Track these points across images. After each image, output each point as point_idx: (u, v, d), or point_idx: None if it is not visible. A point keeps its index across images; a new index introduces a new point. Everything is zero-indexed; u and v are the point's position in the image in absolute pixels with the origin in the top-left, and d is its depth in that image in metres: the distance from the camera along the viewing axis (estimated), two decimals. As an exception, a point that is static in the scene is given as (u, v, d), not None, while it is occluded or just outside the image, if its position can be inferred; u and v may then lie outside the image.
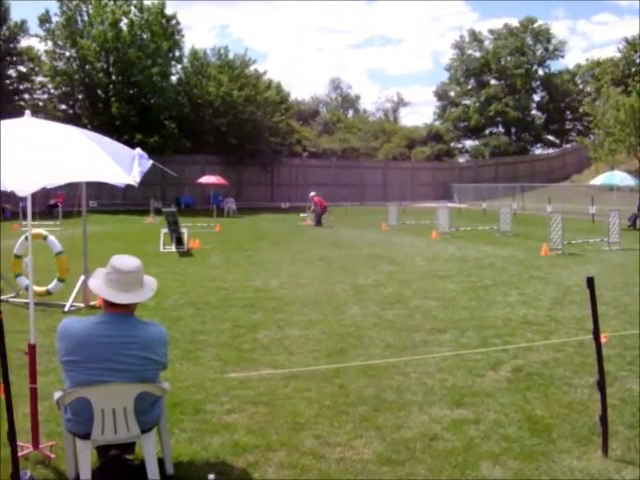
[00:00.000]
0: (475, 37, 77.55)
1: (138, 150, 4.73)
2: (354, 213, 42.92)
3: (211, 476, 4.31)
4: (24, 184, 3.96)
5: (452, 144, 78.12)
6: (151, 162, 4.69)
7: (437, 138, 74.22)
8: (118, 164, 4.34)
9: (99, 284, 4.40)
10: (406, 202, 48.50)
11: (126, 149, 4.86)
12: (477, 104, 74.46)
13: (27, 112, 5.03)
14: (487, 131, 76.90)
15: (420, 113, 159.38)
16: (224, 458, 5.16)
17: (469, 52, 78.01)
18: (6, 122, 4.91)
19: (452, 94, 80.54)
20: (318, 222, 32.82)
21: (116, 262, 4.41)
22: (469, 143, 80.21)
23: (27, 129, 4.71)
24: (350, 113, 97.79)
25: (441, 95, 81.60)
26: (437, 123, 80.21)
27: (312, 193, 34.51)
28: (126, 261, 4.45)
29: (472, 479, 4.75)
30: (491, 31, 77.43)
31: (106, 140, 4.88)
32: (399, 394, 6.63)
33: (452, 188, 58.58)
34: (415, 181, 64.60)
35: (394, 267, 16.32)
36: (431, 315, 10.44)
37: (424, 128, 78.76)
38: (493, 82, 76.45)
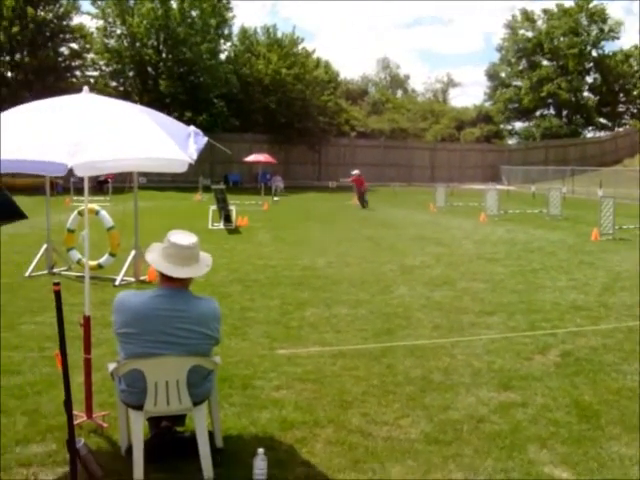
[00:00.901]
0: (527, 17, 76.10)
1: (192, 127, 4.77)
2: (402, 194, 42.76)
3: (260, 450, 4.37)
4: (84, 165, 4.03)
5: (502, 126, 77.14)
6: (206, 139, 4.73)
7: (487, 119, 73.45)
8: (175, 141, 4.39)
9: (156, 258, 4.48)
10: (454, 184, 48.17)
11: (181, 126, 4.91)
12: (528, 85, 73.22)
13: (85, 88, 5.09)
14: (538, 113, 75.71)
15: (470, 94, 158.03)
16: (272, 433, 5.23)
17: (521, 32, 76.66)
18: (65, 98, 4.99)
19: (503, 75, 79.36)
20: (361, 203, 31.35)
21: (174, 237, 4.48)
22: (519, 125, 79.19)
23: (86, 105, 4.78)
24: (399, 93, 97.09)
25: (492, 76, 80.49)
26: (487, 104, 79.21)
27: (353, 172, 32.93)
28: (184, 236, 4.52)
29: (519, 462, 4.74)
30: (544, 11, 75.98)
31: (162, 117, 4.94)
32: (446, 375, 6.63)
33: (501, 170, 57.91)
34: (464, 163, 64.05)
35: (442, 249, 16.26)
36: (479, 297, 10.40)
37: (474, 109, 78.01)
38: (545, 63, 75.08)
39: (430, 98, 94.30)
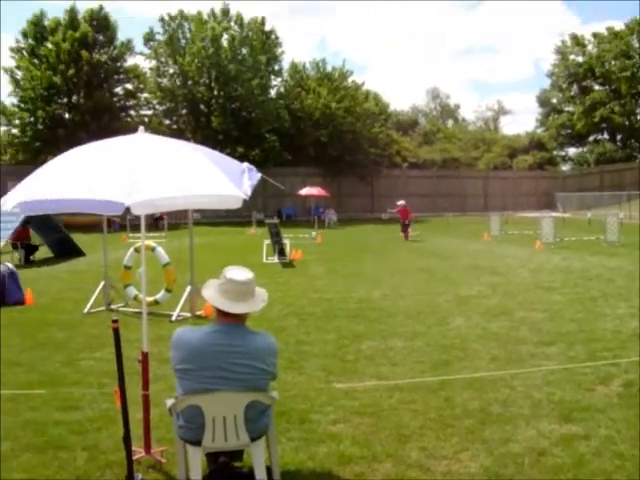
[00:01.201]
0: (577, 41, 75.41)
1: (246, 164, 4.83)
2: (455, 223, 42.51)
3: (318, 486, 4.35)
4: (141, 204, 4.10)
5: (555, 152, 76.26)
6: (260, 175, 4.78)
7: (539, 146, 72.79)
8: (229, 178, 4.45)
9: (213, 294, 4.51)
10: (508, 212, 47.74)
11: (235, 163, 4.97)
12: (581, 110, 72.37)
13: (141, 128, 5.20)
14: (591, 138, 74.59)
15: (521, 121, 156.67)
16: (330, 468, 5.19)
17: (571, 57, 75.97)
18: (121, 138, 5.09)
19: (554, 101, 78.56)
20: (404, 234, 30.28)
21: (230, 273, 4.51)
22: (572, 151, 78.07)
23: (142, 144, 4.87)
24: (450, 123, 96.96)
25: (543, 102, 79.79)
26: (539, 131, 78.50)
27: (399, 202, 31.87)
28: (240, 272, 4.54)
29: (584, 496, 4.64)
30: (594, 35, 75.21)
31: (216, 154, 5.01)
32: (505, 407, 6.52)
33: (555, 197, 57.22)
34: (517, 190, 63.50)
35: (497, 278, 16.08)
36: (537, 327, 10.23)
37: (525, 136, 77.44)
38: (597, 87, 74.14)
39: (481, 126, 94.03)
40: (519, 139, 76.86)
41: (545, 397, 6.80)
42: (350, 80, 58.58)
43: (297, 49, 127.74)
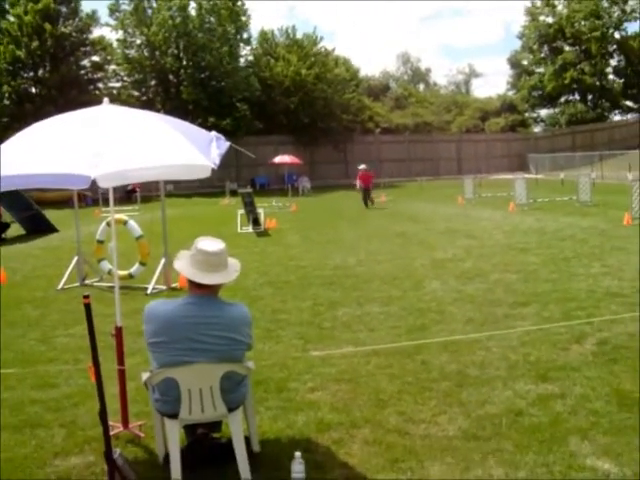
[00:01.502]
0: (548, 2, 75.26)
1: (214, 133, 4.76)
2: (429, 188, 42.60)
3: (297, 454, 4.34)
4: (107, 176, 4.03)
5: (527, 114, 76.50)
6: (228, 144, 4.72)
7: (511, 108, 72.91)
8: (197, 148, 4.38)
9: (185, 265, 4.46)
10: (481, 175, 47.93)
11: (203, 132, 4.90)
12: (552, 71, 72.41)
13: (105, 99, 5.11)
14: (563, 99, 74.85)
15: (493, 84, 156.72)
16: (309, 435, 5.20)
17: (541, 18, 75.84)
18: (86, 110, 5.00)
19: (525, 62, 78.61)
20: (364, 201, 29.08)
21: (201, 244, 4.46)
22: (544, 112, 78.42)
23: (107, 116, 4.78)
24: (421, 87, 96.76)
25: (514, 64, 79.79)
26: (510, 93, 78.63)
27: (360, 166, 30.55)
28: (211, 243, 4.50)
29: (560, 455, 4.66)
30: (564, -5, 75.08)
31: (184, 124, 4.93)
32: (482, 369, 6.56)
33: (528, 159, 57.52)
34: (490, 153, 63.72)
35: (472, 241, 16.14)
36: (512, 289, 10.29)
37: (497, 99, 77.50)
38: (567, 48, 74.24)
39: (453, 90, 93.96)
40: (491, 102, 76.90)
41: (521, 358, 6.84)
42: (320, 46, 58.22)
43: (266, 17, 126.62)
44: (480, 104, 76.16)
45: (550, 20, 74.85)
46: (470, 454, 4.75)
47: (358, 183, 29.73)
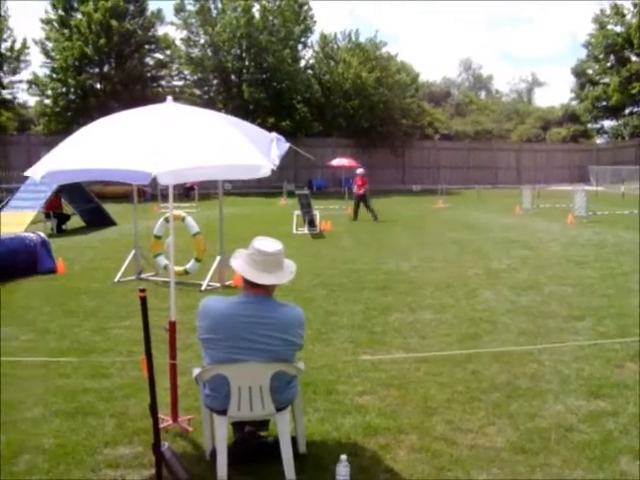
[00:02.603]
0: (617, 11, 73.77)
1: (275, 134, 4.80)
2: (487, 196, 42.20)
3: (343, 456, 4.34)
4: (168, 173, 4.10)
5: (589, 125, 75.17)
6: (288, 145, 4.76)
7: (573, 119, 71.81)
8: (258, 148, 4.43)
9: (241, 264, 4.49)
10: (540, 185, 47.22)
11: (264, 132, 4.95)
12: (617, 82, 70.95)
13: (169, 98, 5.18)
14: (627, 110, 73.31)
15: (556, 93, 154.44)
16: (355, 439, 5.20)
17: (609, 27, 74.34)
18: (150, 107, 5.09)
19: (590, 72, 77.17)
20: (354, 212, 25.56)
21: (259, 244, 4.49)
22: (608, 123, 76.83)
23: (170, 114, 4.86)
24: (482, 94, 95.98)
25: (578, 73, 78.36)
26: (574, 103, 77.35)
27: (358, 171, 26.37)
28: (269, 243, 4.52)
29: (610, 474, 4.58)
30: (635, 4, 73.36)
31: (245, 124, 4.98)
32: (533, 382, 6.48)
33: (589, 170, 56.53)
34: (550, 163, 62.89)
35: (528, 252, 15.95)
36: (567, 302, 10.14)
37: (560, 108, 76.41)
38: (635, 59, 72.73)
39: (514, 98, 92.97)
40: (553, 111, 75.93)
41: (574, 372, 6.74)
42: (384, 51, 58.13)
43: (328, 20, 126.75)
44: (542, 113, 75.30)
45: (618, 29, 73.34)
46: (517, 467, 4.70)
47: (355, 189, 25.76)
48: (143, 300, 4.10)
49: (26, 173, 4.87)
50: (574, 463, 4.73)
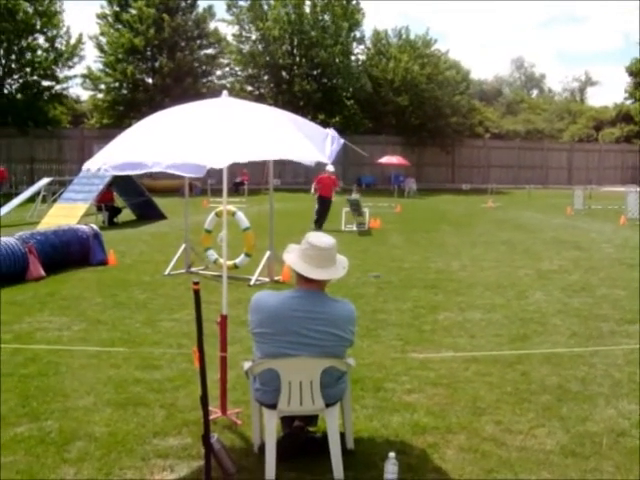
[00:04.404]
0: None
1: (331, 130, 4.81)
2: (537, 196, 41.72)
3: (391, 454, 4.33)
4: (220, 157, 4.12)
5: (644, 125, 73.76)
6: (343, 142, 4.77)
7: (627, 119, 70.37)
8: (312, 142, 4.44)
9: (295, 259, 4.51)
10: (592, 186, 46.52)
11: (319, 128, 4.96)
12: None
13: (224, 92, 5.23)
14: (683, 111, 71.82)
15: (609, 92, 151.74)
16: (403, 437, 5.18)
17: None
18: (206, 102, 5.14)
19: (645, 71, 75.72)
20: (318, 220, 20.55)
21: (313, 239, 4.51)
22: (663, 124, 75.36)
23: (226, 108, 4.90)
24: (534, 93, 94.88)
25: (633, 72, 76.87)
26: (628, 102, 75.95)
27: (328, 167, 19.83)
28: (322, 238, 4.54)
29: (664, 480, 4.51)
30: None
31: (299, 119, 5.00)
32: (584, 385, 6.39)
33: (643, 172, 55.54)
34: (602, 164, 61.89)
35: (580, 253, 15.73)
36: (619, 305, 9.97)
37: (613, 108, 75.01)
38: (691, 58, 71.09)
39: (567, 97, 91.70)
40: (606, 111, 74.62)
41: (626, 376, 6.62)
42: (434, 49, 57.75)
43: (379, 16, 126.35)
44: (595, 113, 74.08)
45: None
46: (567, 471, 4.64)
47: (313, 188, 21.40)
48: (197, 293, 4.13)
49: (84, 166, 4.95)
50: (626, 469, 4.65)
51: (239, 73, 55.48)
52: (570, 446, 5.01)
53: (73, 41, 47.61)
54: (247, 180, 37.16)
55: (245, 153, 4.27)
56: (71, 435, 5.14)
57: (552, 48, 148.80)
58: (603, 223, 24.02)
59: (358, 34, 55.63)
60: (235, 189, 38.11)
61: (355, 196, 22.33)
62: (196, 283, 4.17)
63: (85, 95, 56.49)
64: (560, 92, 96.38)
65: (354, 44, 55.60)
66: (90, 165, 4.84)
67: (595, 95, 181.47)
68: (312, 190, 21.55)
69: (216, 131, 4.44)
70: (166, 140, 4.48)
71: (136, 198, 24.08)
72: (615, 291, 11.04)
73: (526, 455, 4.88)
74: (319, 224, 20.29)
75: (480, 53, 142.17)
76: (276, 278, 11.66)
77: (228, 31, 54.12)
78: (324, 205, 20.60)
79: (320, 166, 4.59)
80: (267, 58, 52.02)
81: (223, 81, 54.51)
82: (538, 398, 6.02)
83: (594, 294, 10.80)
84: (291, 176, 45.78)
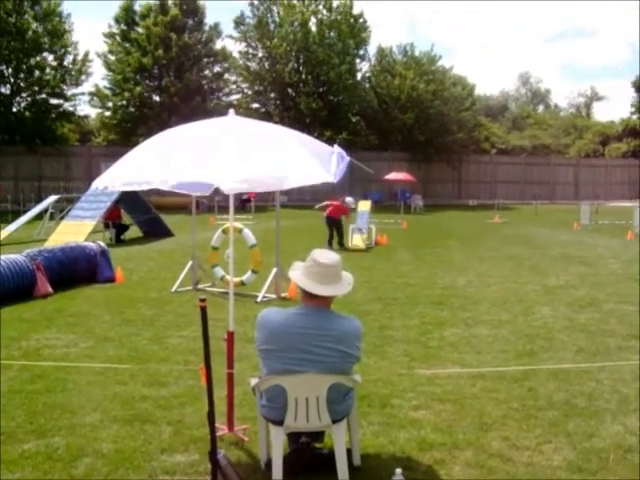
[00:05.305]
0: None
1: (337, 148, 4.84)
2: (544, 212, 41.67)
3: (398, 470, 4.33)
4: (230, 182, 4.17)
5: (651, 140, 73.68)
6: (349, 159, 4.79)
7: (634, 133, 70.31)
8: (319, 162, 4.48)
9: (300, 276, 4.55)
10: (599, 201, 46.51)
11: (325, 146, 4.99)
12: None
13: (231, 111, 5.27)
14: (690, 126, 71.77)
15: (615, 107, 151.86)
16: (410, 453, 5.18)
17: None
18: (212, 120, 5.18)
19: (652, 86, 75.71)
20: (332, 241, 20.32)
21: (317, 255, 4.55)
22: (669, 138, 75.26)
23: (232, 126, 4.94)
24: (540, 108, 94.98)
25: (639, 87, 77.06)
26: (634, 117, 75.94)
27: (347, 199, 21.14)
28: (327, 255, 4.58)
29: (672, 496, 4.50)
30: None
31: (306, 137, 5.04)
32: (591, 401, 6.38)
33: (650, 187, 55.45)
34: (609, 179, 61.77)
35: (586, 269, 15.71)
36: (627, 320, 9.95)
37: (620, 123, 75.01)
38: (699, 74, 71.19)
39: (573, 113, 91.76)
40: (612, 126, 74.56)
41: (633, 392, 6.60)
42: (439, 65, 57.88)
43: (384, 33, 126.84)
44: (601, 128, 74.02)
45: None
46: (575, 486, 4.64)
47: (323, 206, 21.33)
48: (203, 310, 4.16)
49: (93, 184, 4.99)
50: (633, 484, 4.65)
51: (245, 90, 55.69)
52: (577, 462, 5.01)
53: (80, 57, 47.91)
54: (254, 197, 37.20)
55: (251, 171, 4.31)
56: (78, 451, 5.16)
57: (557, 63, 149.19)
58: (610, 238, 23.99)
59: (363, 52, 55.89)
60: (242, 206, 38.16)
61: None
62: (202, 300, 4.20)
63: (93, 113, 56.77)
64: (566, 107, 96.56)
65: (359, 61, 55.82)
66: (99, 183, 4.89)
67: (601, 110, 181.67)
68: (319, 205, 21.62)
69: (223, 150, 4.49)
70: (174, 158, 4.52)
71: (143, 215, 24.16)
72: (622, 306, 11.03)
73: (533, 471, 4.87)
74: (340, 243, 20.26)
75: (486, 69, 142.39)
76: (283, 295, 11.69)
77: (235, 48, 54.10)
78: (334, 224, 20.40)
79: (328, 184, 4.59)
80: (273, 75, 52.24)
81: (230, 98, 54.71)
82: (545, 414, 6.01)
83: (601, 309, 10.79)
84: (297, 193, 45.80)
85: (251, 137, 4.76)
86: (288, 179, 4.48)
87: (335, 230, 20.37)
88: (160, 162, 4.54)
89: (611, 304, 11.23)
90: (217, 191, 4.23)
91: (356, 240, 20.62)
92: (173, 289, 12.34)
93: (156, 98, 50.93)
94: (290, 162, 4.53)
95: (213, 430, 4.21)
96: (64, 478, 4.75)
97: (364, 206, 23.02)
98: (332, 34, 52.34)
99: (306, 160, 4.51)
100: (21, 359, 7.72)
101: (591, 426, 5.73)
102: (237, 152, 4.46)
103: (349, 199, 20.82)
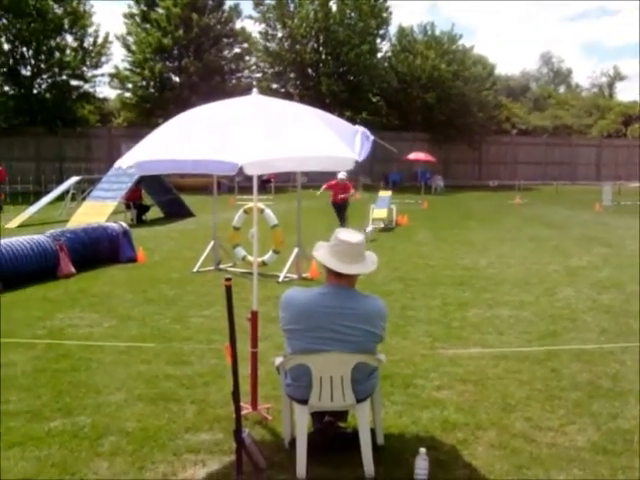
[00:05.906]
0: None
1: (361, 127, 4.82)
2: (565, 192, 41.41)
3: (422, 449, 4.35)
4: (254, 164, 4.16)
5: (674, 119, 72.92)
6: (372, 138, 4.77)
7: (657, 113, 69.76)
8: (343, 140, 4.46)
9: (325, 255, 4.55)
10: (621, 181, 46.11)
11: (348, 125, 4.97)
12: None
13: (254, 90, 5.25)
14: None
15: (638, 87, 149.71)
16: (433, 433, 5.19)
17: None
18: (236, 100, 5.17)
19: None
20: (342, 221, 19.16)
21: (342, 235, 4.55)
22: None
23: (256, 106, 4.92)
24: (562, 88, 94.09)
25: (664, 67, 76.19)
26: (658, 97, 75.16)
27: (340, 175, 19.45)
28: (351, 234, 4.59)
29: (697, 477, 4.48)
30: None
31: (329, 117, 5.02)
32: (615, 382, 6.35)
33: (673, 167, 54.87)
34: (631, 159, 61.08)
35: (609, 250, 15.60)
36: (650, 301, 9.90)
37: (642, 103, 74.30)
38: None
39: (595, 93, 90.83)
40: (635, 106, 73.69)
41: (657, 373, 6.58)
42: (459, 44, 57.41)
43: (404, 12, 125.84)
44: (623, 108, 73.19)
45: None
46: (598, 468, 4.62)
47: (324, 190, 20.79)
48: (228, 289, 4.17)
49: (116, 164, 5.00)
50: (658, 466, 4.62)
51: (265, 70, 55.52)
52: (601, 443, 5.00)
53: (100, 40, 47.90)
54: (275, 178, 37.18)
55: (275, 151, 4.29)
56: (104, 430, 5.21)
57: (580, 42, 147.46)
58: (632, 219, 23.76)
59: (384, 31, 55.51)
60: (262, 187, 38.16)
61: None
62: (228, 279, 4.21)
63: (112, 94, 56.86)
64: (588, 87, 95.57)
65: (379, 41, 55.46)
66: (122, 163, 4.89)
67: (624, 90, 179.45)
68: (320, 191, 21.09)
69: (247, 129, 4.47)
70: (197, 138, 4.52)
71: (164, 196, 24.23)
72: (646, 288, 10.95)
73: (556, 452, 4.87)
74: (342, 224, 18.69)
75: (508, 49, 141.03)
76: (304, 275, 11.70)
77: (255, 28, 53.94)
78: (337, 209, 20.00)
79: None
80: (293, 56, 52.02)
81: (249, 79, 54.57)
82: (568, 395, 6.00)
83: (624, 290, 10.72)
84: (318, 174, 45.71)
85: (274, 116, 4.74)
86: (312, 160, 4.47)
87: (337, 214, 19.84)
88: (183, 142, 4.53)
89: (634, 285, 11.14)
90: (240, 172, 4.22)
91: (377, 213, 20.61)
92: (195, 269, 12.39)
93: (176, 79, 50.87)
94: (314, 141, 4.52)
95: (238, 409, 4.22)
96: (90, 456, 4.79)
97: (385, 194, 23.03)
98: (353, 14, 52.01)
99: (330, 138, 4.49)
100: (46, 338, 7.79)
101: (615, 407, 5.71)
102: (263, 132, 4.44)
103: (341, 175, 19.46)
